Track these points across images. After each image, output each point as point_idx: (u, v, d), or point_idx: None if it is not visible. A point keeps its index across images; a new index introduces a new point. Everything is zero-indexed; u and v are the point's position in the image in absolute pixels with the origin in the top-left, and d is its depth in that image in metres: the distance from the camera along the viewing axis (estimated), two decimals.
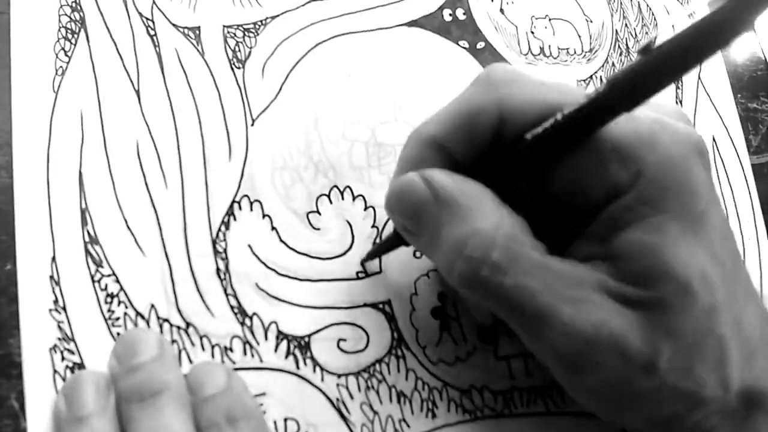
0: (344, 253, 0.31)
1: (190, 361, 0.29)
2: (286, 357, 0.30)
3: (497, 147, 0.26)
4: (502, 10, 0.39)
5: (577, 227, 0.26)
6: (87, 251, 0.29)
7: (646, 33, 0.41)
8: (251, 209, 0.31)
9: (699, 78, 0.39)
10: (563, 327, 0.24)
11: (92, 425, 0.25)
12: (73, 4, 0.32)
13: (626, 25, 0.41)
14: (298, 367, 0.30)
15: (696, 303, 0.24)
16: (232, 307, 0.30)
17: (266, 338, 0.30)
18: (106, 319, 0.29)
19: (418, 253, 0.32)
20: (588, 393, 0.26)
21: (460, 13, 0.37)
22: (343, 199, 0.32)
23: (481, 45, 0.38)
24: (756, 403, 0.25)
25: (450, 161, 0.27)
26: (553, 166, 0.26)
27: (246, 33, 0.34)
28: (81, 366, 0.28)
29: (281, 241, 0.31)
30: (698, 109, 0.40)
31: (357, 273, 0.31)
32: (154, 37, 0.33)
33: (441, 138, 0.27)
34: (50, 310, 0.28)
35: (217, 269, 0.30)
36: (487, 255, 0.24)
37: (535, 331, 0.25)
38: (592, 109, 0.24)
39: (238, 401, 0.27)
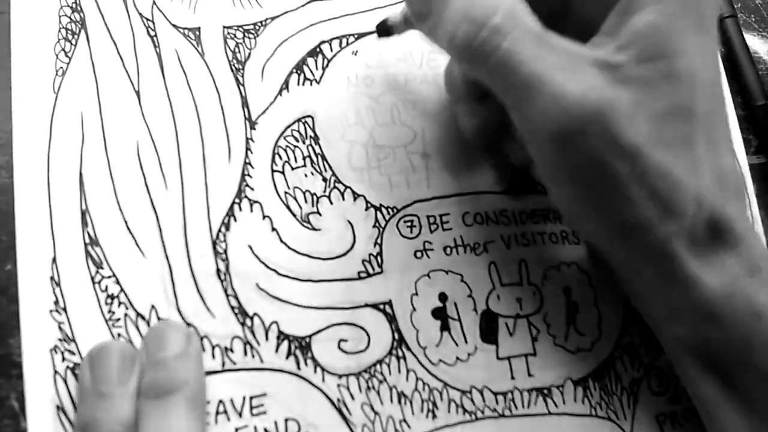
0: (345, 254, 0.31)
1: None
2: (287, 357, 0.30)
3: None
4: None
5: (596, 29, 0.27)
6: (87, 252, 0.29)
7: None
8: (251, 210, 0.31)
9: None
10: (554, 89, 0.25)
11: (113, 402, 0.26)
12: (74, 5, 0.32)
13: None
14: (298, 368, 0.30)
15: (680, 95, 0.25)
16: (232, 308, 0.30)
17: (267, 339, 0.30)
18: (106, 320, 0.29)
19: (419, 254, 0.32)
20: (566, 178, 0.27)
21: None
22: (344, 199, 0.32)
23: None
24: (722, 236, 0.26)
25: None
26: None
27: (246, 34, 0.34)
28: None
29: (282, 241, 0.31)
30: None
31: (358, 273, 0.31)
32: (155, 38, 0.33)
33: None
34: (51, 311, 0.28)
35: (218, 270, 0.30)
36: (489, 18, 0.25)
37: (525, 98, 0.25)
38: None
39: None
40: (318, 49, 0.35)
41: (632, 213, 0.26)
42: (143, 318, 0.29)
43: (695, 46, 0.25)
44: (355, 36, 0.35)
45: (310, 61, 0.34)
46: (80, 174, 0.30)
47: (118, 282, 0.29)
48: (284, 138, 0.33)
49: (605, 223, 0.27)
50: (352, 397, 0.30)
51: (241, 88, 0.33)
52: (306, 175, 0.32)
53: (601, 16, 0.27)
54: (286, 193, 0.32)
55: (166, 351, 0.27)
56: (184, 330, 0.28)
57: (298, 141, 0.33)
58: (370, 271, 0.31)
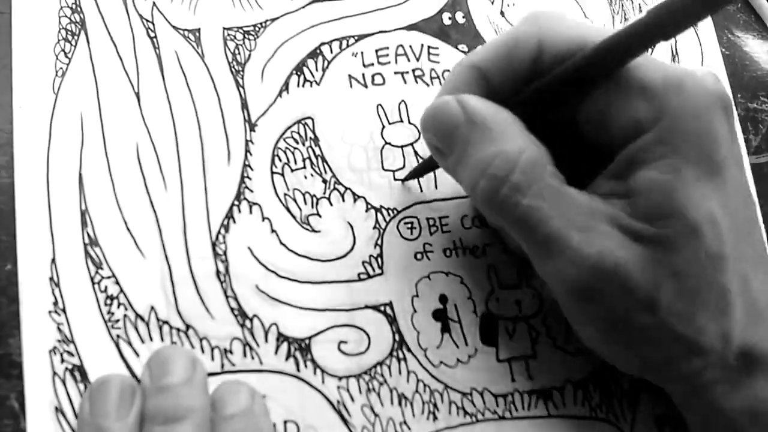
0: (345, 255, 0.31)
1: None
2: (287, 359, 0.30)
3: (533, 78, 0.27)
4: (502, 13, 0.39)
5: (598, 165, 0.27)
6: (87, 253, 0.29)
7: None
8: (251, 212, 0.31)
9: None
10: (570, 252, 0.25)
11: None
12: (74, 6, 0.32)
13: None
14: (298, 370, 0.30)
15: (702, 246, 0.25)
16: (232, 309, 0.30)
17: (266, 340, 0.30)
18: (105, 321, 0.29)
19: (419, 255, 0.32)
20: (590, 325, 0.27)
21: (459, 17, 0.37)
22: (344, 201, 0.32)
23: None
24: (756, 365, 0.26)
25: (488, 90, 0.28)
26: (583, 100, 0.27)
27: (246, 35, 0.34)
28: (80, 368, 0.28)
29: (281, 243, 0.31)
30: None
31: (358, 274, 0.31)
32: (154, 39, 0.33)
33: (482, 65, 0.28)
34: (50, 311, 0.28)
35: (217, 271, 0.30)
36: (509, 175, 0.26)
37: (544, 255, 0.26)
38: (621, 39, 0.25)
39: (254, 425, 0.27)
40: (318, 51, 0.35)
41: (656, 354, 0.26)
42: (142, 319, 0.29)
43: (708, 192, 0.25)
44: (355, 37, 0.35)
45: (310, 62, 0.34)
46: (80, 174, 0.30)
47: (117, 282, 0.29)
48: (284, 139, 0.33)
49: (632, 362, 0.28)
50: (352, 399, 0.30)
51: (241, 89, 0.33)
52: (306, 177, 0.32)
53: (607, 145, 0.27)
54: (285, 194, 0.32)
55: (171, 377, 0.27)
56: (189, 355, 0.28)
57: (297, 142, 0.33)
58: (371, 272, 0.31)
